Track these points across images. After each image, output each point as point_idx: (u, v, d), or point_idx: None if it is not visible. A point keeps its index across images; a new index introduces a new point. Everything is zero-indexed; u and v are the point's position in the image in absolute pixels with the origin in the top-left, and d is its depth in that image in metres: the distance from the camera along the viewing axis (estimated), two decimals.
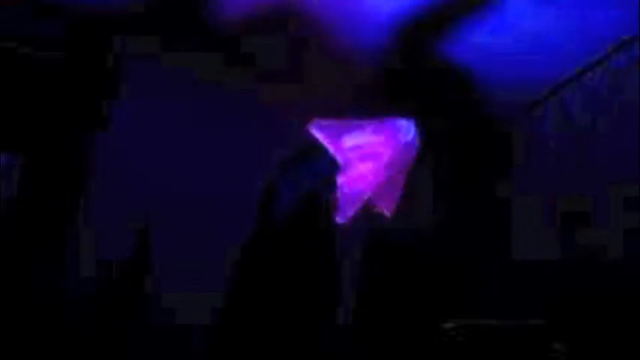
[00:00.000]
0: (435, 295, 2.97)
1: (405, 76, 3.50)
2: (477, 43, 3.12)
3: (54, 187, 3.06)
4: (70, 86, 3.17)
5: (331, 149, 2.24)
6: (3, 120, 3.04)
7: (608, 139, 2.78)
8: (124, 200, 3.09)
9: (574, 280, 2.81)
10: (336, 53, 3.32)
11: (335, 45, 3.25)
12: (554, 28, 2.88)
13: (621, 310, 2.47)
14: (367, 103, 3.70)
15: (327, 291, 2.30)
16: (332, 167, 2.23)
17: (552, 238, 3.01)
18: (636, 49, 2.69)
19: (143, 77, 3.30)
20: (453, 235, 2.51)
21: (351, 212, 2.20)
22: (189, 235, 3.13)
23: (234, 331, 2.22)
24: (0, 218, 2.95)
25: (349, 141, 2.26)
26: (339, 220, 2.20)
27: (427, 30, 3.03)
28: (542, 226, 3.11)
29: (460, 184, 3.71)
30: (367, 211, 2.26)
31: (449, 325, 2.53)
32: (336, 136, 2.27)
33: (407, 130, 2.31)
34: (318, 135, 2.26)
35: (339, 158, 2.23)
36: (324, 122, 2.28)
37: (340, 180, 2.20)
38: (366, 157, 2.25)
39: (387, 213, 2.27)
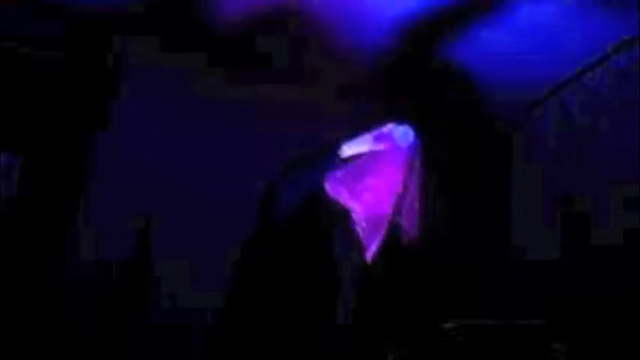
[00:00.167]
0: (435, 295, 2.97)
1: (405, 76, 3.50)
2: (477, 43, 3.12)
3: (54, 187, 3.05)
4: (70, 86, 3.17)
5: (347, 199, 2.22)
6: (3, 120, 3.04)
7: (608, 139, 2.78)
8: (124, 200, 3.09)
9: (574, 280, 2.81)
10: (336, 53, 3.32)
11: (335, 45, 3.25)
12: (555, 28, 2.88)
13: (621, 310, 2.47)
14: (367, 103, 3.70)
15: (327, 291, 2.30)
16: (337, 163, 2.23)
17: (552, 238, 3.01)
18: (636, 49, 2.69)
19: (143, 77, 3.30)
20: (452, 235, 2.51)
21: (375, 246, 2.18)
22: (190, 235, 3.12)
23: (234, 330, 2.22)
24: (0, 218, 2.95)
25: (349, 150, 2.26)
26: (367, 258, 2.18)
27: (431, 31, 3.03)
28: (542, 226, 3.11)
29: (460, 184, 3.71)
30: (392, 230, 2.24)
31: (449, 325, 2.53)
32: (351, 181, 2.25)
33: (405, 135, 2.30)
34: (335, 190, 2.24)
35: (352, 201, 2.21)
36: (338, 174, 2.25)
37: (355, 216, 2.18)
38: (373, 183, 2.23)
39: (410, 231, 2.25)
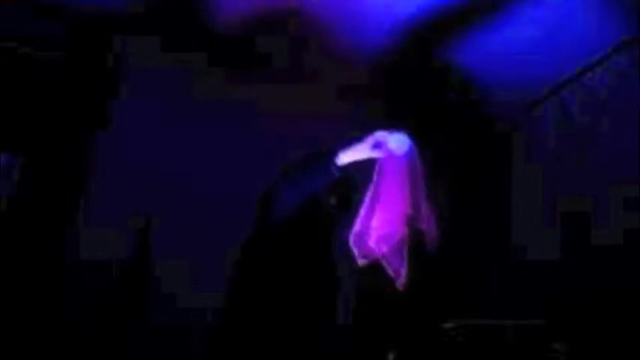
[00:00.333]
0: (435, 295, 2.97)
1: (405, 76, 3.50)
2: (477, 43, 3.12)
3: (54, 187, 3.05)
4: (70, 86, 3.17)
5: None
6: (3, 120, 3.04)
7: (608, 139, 2.78)
8: (124, 200, 3.08)
9: (574, 280, 2.80)
10: (336, 53, 3.32)
11: (335, 45, 3.25)
12: (555, 28, 2.88)
13: (621, 309, 2.47)
14: (367, 103, 3.70)
15: (327, 291, 2.30)
16: (335, 173, 2.22)
17: (552, 238, 3.01)
18: (636, 49, 2.69)
19: (143, 77, 3.30)
20: (452, 235, 2.51)
21: (404, 269, 2.17)
22: (190, 235, 3.12)
23: (234, 331, 2.22)
24: (0, 218, 2.95)
25: (345, 158, 2.25)
26: (400, 286, 2.17)
27: (431, 31, 3.03)
28: (542, 226, 3.11)
29: (460, 184, 3.71)
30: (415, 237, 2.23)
31: (449, 325, 2.52)
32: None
33: (400, 142, 2.29)
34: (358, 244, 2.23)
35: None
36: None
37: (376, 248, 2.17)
38: (380, 205, 2.22)
39: (432, 233, 2.24)
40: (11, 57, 3.07)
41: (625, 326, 2.43)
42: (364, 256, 2.19)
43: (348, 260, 2.25)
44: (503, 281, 3.26)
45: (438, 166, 3.50)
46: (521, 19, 2.88)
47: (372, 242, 2.18)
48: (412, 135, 2.34)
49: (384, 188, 2.24)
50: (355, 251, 2.20)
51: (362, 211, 2.23)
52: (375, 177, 2.25)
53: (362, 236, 2.20)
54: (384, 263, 2.16)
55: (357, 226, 2.22)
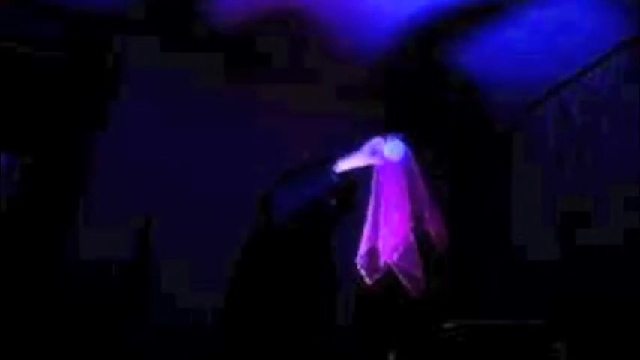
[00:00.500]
0: (435, 295, 2.97)
1: (405, 76, 3.50)
2: (477, 43, 3.12)
3: (54, 187, 3.05)
4: (69, 86, 3.17)
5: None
6: (3, 120, 3.04)
7: (608, 139, 2.77)
8: (124, 200, 3.09)
9: (574, 280, 2.80)
10: (336, 53, 3.32)
11: (335, 45, 3.25)
12: (555, 28, 2.88)
13: (621, 309, 2.47)
14: (367, 103, 3.70)
15: (327, 291, 2.30)
16: (336, 181, 2.23)
17: (552, 238, 3.01)
18: (636, 49, 2.69)
19: (143, 77, 3.30)
20: (452, 235, 2.51)
21: (419, 273, 2.17)
22: (190, 235, 3.12)
23: (234, 331, 2.22)
24: (1, 218, 2.95)
25: (344, 166, 2.25)
26: (419, 292, 2.17)
27: (431, 32, 3.03)
28: (542, 226, 3.11)
29: (460, 184, 3.71)
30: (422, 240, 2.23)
31: (449, 325, 2.52)
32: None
33: (395, 149, 2.29)
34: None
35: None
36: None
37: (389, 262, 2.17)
38: (383, 216, 2.22)
39: (439, 234, 2.24)
40: (11, 57, 3.07)
41: (625, 326, 2.43)
42: (375, 272, 2.20)
43: (350, 280, 2.25)
44: (503, 281, 3.26)
45: (438, 166, 3.51)
46: (521, 19, 2.88)
47: (381, 256, 2.18)
48: (407, 139, 2.34)
49: (384, 197, 2.25)
50: (364, 272, 2.20)
51: (366, 230, 2.24)
52: (373, 188, 2.27)
53: (371, 255, 2.21)
54: (397, 271, 2.16)
55: (363, 247, 2.23)
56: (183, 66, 3.39)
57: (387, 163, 2.27)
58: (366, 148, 2.29)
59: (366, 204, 2.29)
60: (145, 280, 3.07)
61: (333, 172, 2.22)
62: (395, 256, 2.16)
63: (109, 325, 2.95)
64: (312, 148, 3.22)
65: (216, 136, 3.39)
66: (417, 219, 2.22)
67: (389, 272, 2.18)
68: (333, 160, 2.26)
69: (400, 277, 2.16)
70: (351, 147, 2.32)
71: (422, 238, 2.22)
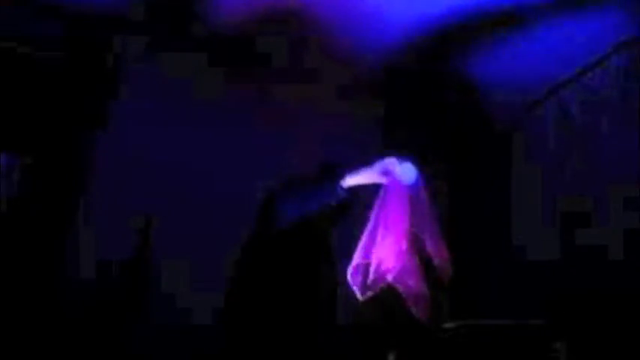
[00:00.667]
0: (435, 294, 2.97)
1: (405, 77, 3.50)
2: (482, 47, 3.12)
3: (54, 187, 3.05)
4: (70, 86, 3.17)
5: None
6: (3, 120, 3.04)
7: (608, 139, 2.77)
8: (124, 200, 3.08)
9: (574, 280, 2.80)
10: (336, 53, 3.32)
11: (335, 45, 3.25)
12: (555, 29, 2.88)
13: (621, 309, 2.47)
14: (367, 103, 3.70)
15: (327, 291, 2.30)
16: (343, 196, 2.24)
17: (552, 238, 3.01)
18: (636, 50, 2.69)
19: (143, 77, 3.30)
20: (452, 235, 2.51)
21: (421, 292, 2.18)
22: (190, 235, 3.12)
23: (234, 331, 2.22)
24: (0, 218, 2.95)
25: (351, 181, 2.26)
26: (422, 316, 2.18)
27: (433, 33, 3.03)
28: (542, 226, 3.11)
29: (460, 184, 3.71)
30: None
31: (449, 325, 2.52)
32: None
33: (407, 171, 2.31)
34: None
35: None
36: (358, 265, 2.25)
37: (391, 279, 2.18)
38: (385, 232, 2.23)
39: (441, 265, 2.25)
40: (11, 57, 3.07)
41: (625, 326, 2.43)
42: (367, 289, 2.21)
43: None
44: (503, 281, 3.26)
45: (438, 165, 3.51)
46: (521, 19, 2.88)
47: (372, 275, 2.19)
48: (419, 164, 2.35)
49: (385, 217, 2.26)
50: (355, 287, 2.22)
51: (360, 245, 2.25)
52: (377, 205, 2.28)
53: (361, 270, 2.23)
54: (400, 289, 2.17)
55: (354, 261, 2.24)
56: (183, 66, 3.39)
57: (396, 185, 2.28)
58: (378, 166, 2.30)
59: (365, 216, 2.31)
60: (145, 280, 3.07)
61: (341, 187, 2.23)
62: (389, 277, 2.18)
63: (109, 325, 2.95)
64: (312, 148, 3.23)
65: (216, 136, 3.39)
66: (417, 242, 2.23)
67: (388, 293, 2.19)
68: (341, 173, 2.27)
69: (406, 297, 2.17)
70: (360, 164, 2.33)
71: (421, 261, 2.24)
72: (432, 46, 3.18)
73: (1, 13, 3.10)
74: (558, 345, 2.42)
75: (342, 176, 2.27)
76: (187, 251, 3.07)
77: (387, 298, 2.21)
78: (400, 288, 2.17)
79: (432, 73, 3.45)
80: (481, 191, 3.66)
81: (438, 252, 2.26)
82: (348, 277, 2.23)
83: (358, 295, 2.23)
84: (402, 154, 2.29)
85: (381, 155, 2.32)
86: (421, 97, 3.67)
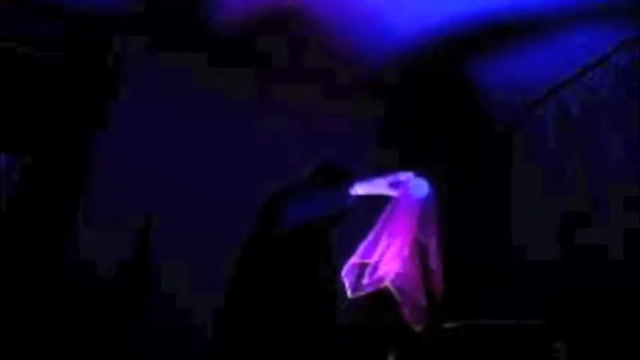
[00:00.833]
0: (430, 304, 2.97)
1: (405, 77, 3.50)
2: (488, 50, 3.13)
3: (54, 187, 3.05)
4: (70, 86, 3.17)
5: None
6: (3, 120, 3.04)
7: (608, 139, 2.77)
8: (124, 200, 3.09)
9: (574, 280, 2.80)
10: (336, 53, 3.32)
11: (335, 45, 3.25)
12: (554, 28, 2.88)
13: (621, 309, 2.47)
14: (367, 103, 3.71)
15: (327, 292, 2.30)
16: (350, 205, 2.24)
17: (552, 238, 3.01)
18: (636, 50, 2.69)
19: (143, 77, 3.30)
20: (452, 235, 2.51)
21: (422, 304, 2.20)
22: (190, 235, 3.12)
23: (234, 331, 2.22)
24: (0, 218, 2.95)
25: (360, 190, 2.27)
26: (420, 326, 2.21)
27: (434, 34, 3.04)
28: (542, 226, 3.11)
29: (460, 184, 3.71)
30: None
31: (449, 325, 2.52)
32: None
33: (420, 187, 2.33)
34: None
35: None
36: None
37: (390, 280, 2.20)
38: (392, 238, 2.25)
39: (437, 274, 2.27)
40: (11, 57, 3.07)
41: (624, 326, 2.43)
42: (356, 289, 2.23)
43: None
44: (504, 281, 3.26)
45: (438, 166, 3.51)
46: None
47: (368, 276, 2.21)
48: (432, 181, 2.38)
49: (392, 225, 2.27)
50: (347, 283, 2.24)
51: (362, 245, 2.26)
52: (386, 213, 2.29)
53: (356, 270, 2.24)
54: (394, 293, 2.18)
55: (353, 259, 2.25)
56: (183, 66, 3.39)
57: (408, 198, 2.30)
58: (390, 178, 2.31)
59: (366, 219, 2.32)
60: (145, 280, 3.07)
61: (350, 196, 2.23)
62: (387, 281, 2.19)
63: (109, 325, 2.95)
64: (312, 148, 3.23)
65: (216, 136, 3.39)
66: (421, 253, 2.25)
67: (379, 296, 2.21)
68: (351, 180, 2.28)
69: (399, 302, 2.19)
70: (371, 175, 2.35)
71: (424, 270, 2.25)
72: (433, 47, 3.18)
73: (1, 13, 3.10)
74: (558, 345, 2.43)
75: (351, 183, 2.27)
76: (187, 251, 3.07)
77: (378, 300, 2.23)
78: (395, 292, 2.19)
79: (432, 74, 3.45)
80: (481, 191, 3.66)
81: (436, 266, 2.28)
82: (343, 273, 2.25)
83: (348, 293, 2.25)
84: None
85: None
86: (421, 97, 3.67)
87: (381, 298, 2.22)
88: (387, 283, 2.19)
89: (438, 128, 3.78)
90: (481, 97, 3.52)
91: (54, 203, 3.03)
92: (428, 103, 3.69)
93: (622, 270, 2.53)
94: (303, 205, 2.23)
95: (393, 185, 2.31)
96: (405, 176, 2.32)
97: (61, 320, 2.87)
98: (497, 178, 3.57)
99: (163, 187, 3.17)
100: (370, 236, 2.29)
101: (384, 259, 2.23)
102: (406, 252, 2.24)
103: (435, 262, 2.28)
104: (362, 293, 2.23)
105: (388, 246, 2.24)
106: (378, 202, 2.35)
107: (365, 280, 2.22)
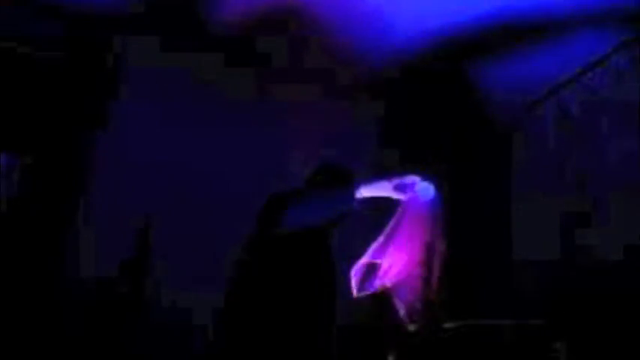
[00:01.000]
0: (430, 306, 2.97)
1: (406, 78, 3.50)
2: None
3: (54, 187, 3.05)
4: (70, 86, 3.17)
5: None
6: (3, 120, 3.04)
7: (608, 139, 2.78)
8: (124, 200, 3.09)
9: (574, 280, 2.80)
10: (336, 53, 3.32)
11: (335, 45, 3.25)
12: (554, 28, 2.88)
13: (621, 309, 2.47)
14: (367, 103, 3.71)
15: (327, 292, 2.30)
16: (356, 208, 2.24)
17: (552, 238, 3.01)
18: (636, 49, 2.69)
19: (143, 77, 3.30)
20: (452, 235, 2.51)
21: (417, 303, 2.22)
22: (190, 235, 3.12)
23: (234, 331, 2.22)
24: (0, 218, 2.95)
25: (365, 192, 2.27)
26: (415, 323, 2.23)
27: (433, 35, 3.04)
28: (542, 226, 3.11)
29: (460, 184, 3.71)
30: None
31: (449, 325, 2.52)
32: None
33: (426, 190, 2.33)
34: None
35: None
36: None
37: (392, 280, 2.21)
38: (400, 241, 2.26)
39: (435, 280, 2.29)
40: (11, 57, 3.07)
41: (624, 326, 2.43)
42: (362, 289, 2.24)
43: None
44: (504, 281, 3.26)
45: (438, 166, 3.51)
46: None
47: (377, 278, 2.22)
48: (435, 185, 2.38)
49: (402, 229, 2.28)
50: (354, 283, 2.24)
51: (373, 246, 2.27)
52: (396, 216, 2.30)
53: (365, 270, 2.25)
54: (396, 297, 2.20)
55: (363, 259, 2.26)
56: (183, 66, 3.39)
57: (416, 201, 2.30)
58: (396, 181, 2.31)
59: (367, 219, 2.33)
60: (144, 280, 3.06)
61: (355, 199, 2.23)
62: (388, 283, 2.21)
63: (109, 325, 2.95)
64: (313, 148, 3.23)
65: (215, 136, 3.39)
66: (428, 256, 2.27)
67: (380, 297, 2.22)
68: (355, 182, 2.27)
69: (397, 303, 2.20)
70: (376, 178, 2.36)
71: (425, 276, 2.27)
72: (433, 47, 3.18)
73: (1, 13, 3.10)
74: (558, 345, 2.43)
75: (353, 184, 2.27)
76: (187, 251, 3.08)
77: (378, 300, 2.24)
78: (395, 294, 2.21)
79: (432, 74, 3.45)
80: (481, 191, 3.66)
81: (438, 268, 2.30)
82: (351, 273, 2.26)
83: (354, 292, 2.26)
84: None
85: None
86: (421, 97, 3.67)
87: (382, 299, 2.23)
88: (389, 284, 2.21)
89: (438, 128, 3.78)
90: (481, 97, 3.52)
91: (54, 203, 3.03)
92: (428, 103, 3.69)
93: (622, 270, 2.53)
94: (305, 207, 2.23)
95: (399, 188, 2.31)
96: (411, 179, 2.33)
97: (62, 320, 2.87)
98: (497, 178, 3.57)
99: (163, 187, 3.17)
100: (380, 238, 2.30)
101: (392, 262, 2.24)
102: (415, 256, 2.25)
103: (437, 264, 2.29)
104: (366, 293, 2.24)
105: (398, 249, 2.26)
106: (386, 205, 2.35)
107: (372, 281, 2.23)
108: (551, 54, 3.02)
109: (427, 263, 2.26)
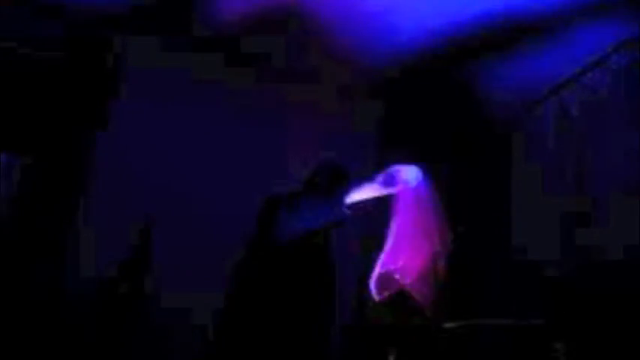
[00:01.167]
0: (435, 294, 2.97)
1: (406, 78, 3.50)
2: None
3: (54, 187, 3.05)
4: (70, 86, 3.17)
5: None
6: (3, 120, 3.04)
7: (608, 139, 2.77)
8: (124, 200, 3.08)
9: (574, 280, 2.80)
10: (336, 53, 3.32)
11: (335, 45, 3.25)
12: (554, 28, 2.88)
13: (621, 309, 2.47)
14: (367, 103, 3.71)
15: (327, 292, 2.30)
16: (347, 215, 2.24)
17: (552, 238, 3.01)
18: (636, 50, 2.69)
19: (143, 77, 3.29)
20: (452, 235, 2.51)
21: (428, 291, 2.22)
22: (190, 235, 3.12)
23: (234, 331, 2.22)
24: (0, 218, 2.95)
25: (356, 196, 2.27)
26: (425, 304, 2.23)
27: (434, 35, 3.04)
28: (542, 226, 3.11)
29: (460, 184, 3.70)
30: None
31: (449, 325, 2.52)
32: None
33: (414, 175, 2.32)
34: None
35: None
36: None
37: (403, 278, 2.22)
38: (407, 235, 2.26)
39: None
40: (11, 57, 3.07)
41: (624, 326, 2.43)
42: (385, 290, 2.24)
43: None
44: (504, 281, 3.26)
45: (438, 166, 3.50)
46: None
47: (397, 278, 2.23)
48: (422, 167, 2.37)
49: (407, 221, 2.28)
50: (374, 291, 2.24)
51: (384, 254, 2.27)
52: (395, 213, 2.29)
53: (383, 278, 2.25)
54: (412, 292, 2.20)
55: (378, 270, 2.26)
56: (183, 66, 3.39)
57: (407, 188, 2.29)
58: (380, 178, 2.31)
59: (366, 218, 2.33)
60: (145, 280, 3.06)
61: (345, 206, 2.23)
62: (407, 279, 2.20)
63: (109, 325, 2.95)
64: (313, 148, 3.23)
65: (216, 135, 3.39)
66: (439, 246, 2.27)
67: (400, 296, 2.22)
68: (348, 186, 2.27)
69: (413, 294, 2.20)
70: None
71: (437, 265, 2.27)
72: (433, 47, 3.18)
73: (1, 13, 3.10)
74: (558, 345, 2.43)
75: (348, 191, 2.27)
76: (187, 251, 3.07)
77: (399, 300, 2.24)
78: (414, 292, 2.20)
79: (432, 74, 3.45)
80: (481, 191, 3.66)
81: (444, 244, 2.29)
82: (370, 284, 2.26)
83: (375, 297, 2.25)
84: (402, 153, 2.29)
85: (380, 156, 2.33)
86: (421, 97, 3.67)
87: (400, 299, 2.23)
88: (406, 285, 2.20)
89: (438, 128, 3.78)
90: (481, 97, 3.52)
91: (54, 203, 3.03)
92: (428, 103, 3.69)
93: (622, 270, 2.53)
94: (300, 217, 2.23)
95: (387, 183, 2.30)
96: (395, 169, 2.32)
97: (62, 320, 2.87)
98: (497, 178, 3.57)
99: (163, 187, 3.17)
100: (389, 241, 2.29)
101: (406, 262, 2.24)
102: (425, 248, 2.24)
103: (443, 240, 2.28)
104: (386, 294, 2.24)
105: (408, 247, 2.25)
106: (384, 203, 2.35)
107: (386, 285, 2.24)
108: (551, 54, 3.02)
109: (436, 255, 2.26)
